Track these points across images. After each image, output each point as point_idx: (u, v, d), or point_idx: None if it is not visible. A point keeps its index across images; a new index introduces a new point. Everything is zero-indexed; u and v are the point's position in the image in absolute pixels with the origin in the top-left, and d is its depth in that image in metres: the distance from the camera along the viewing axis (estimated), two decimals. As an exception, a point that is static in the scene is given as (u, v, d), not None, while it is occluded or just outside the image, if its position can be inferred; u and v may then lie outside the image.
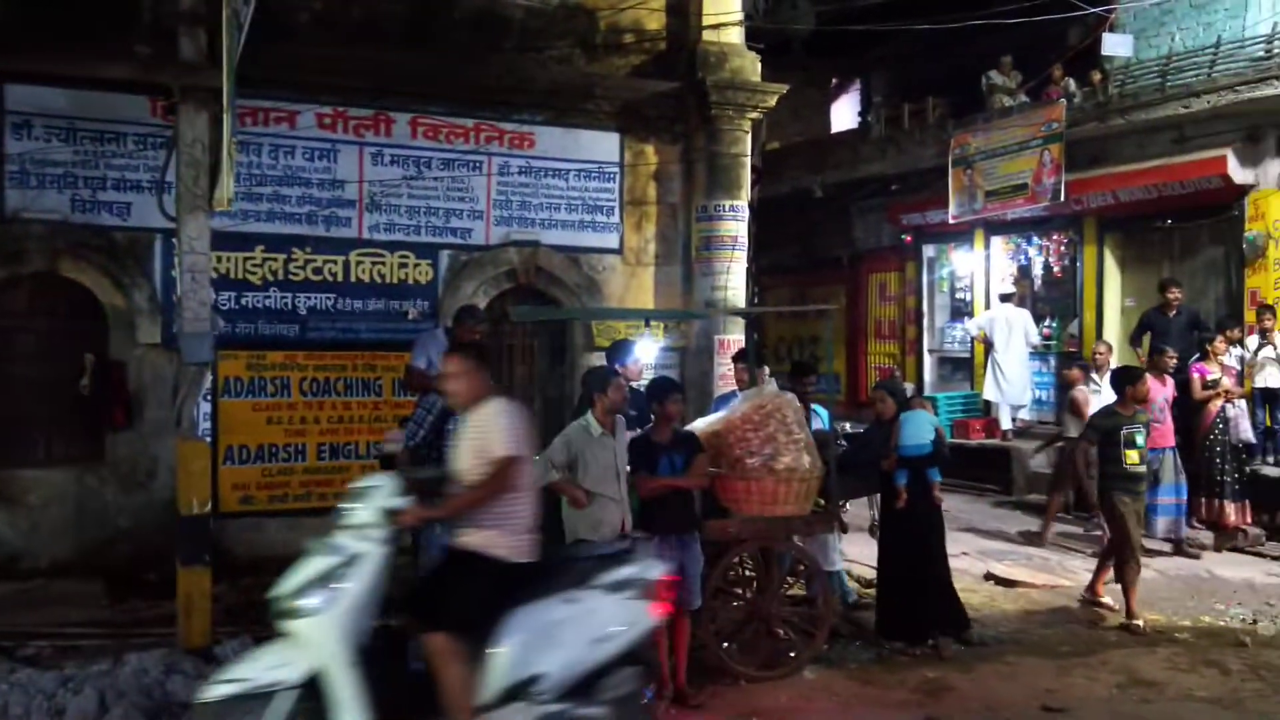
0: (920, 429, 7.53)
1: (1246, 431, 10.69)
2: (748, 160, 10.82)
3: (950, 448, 8.31)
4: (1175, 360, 10.40)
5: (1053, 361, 14.41)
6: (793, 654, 7.01)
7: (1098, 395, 11.28)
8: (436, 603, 4.91)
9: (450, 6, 9.95)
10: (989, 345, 14.12)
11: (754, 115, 10.77)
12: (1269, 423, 11.24)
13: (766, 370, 10.35)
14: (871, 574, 8.42)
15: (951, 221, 14.53)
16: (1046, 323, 14.74)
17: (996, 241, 15.34)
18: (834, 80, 21.27)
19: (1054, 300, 14.88)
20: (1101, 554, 8.76)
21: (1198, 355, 10.82)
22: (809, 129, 19.97)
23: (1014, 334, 13.85)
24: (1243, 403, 10.79)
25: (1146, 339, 11.61)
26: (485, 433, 4.99)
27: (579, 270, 10.43)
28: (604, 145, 10.56)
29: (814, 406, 8.07)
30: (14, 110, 8.59)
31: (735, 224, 10.57)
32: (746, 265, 10.86)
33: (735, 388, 8.76)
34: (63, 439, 9.04)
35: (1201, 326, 11.48)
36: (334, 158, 9.58)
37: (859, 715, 6.37)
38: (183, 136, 7.49)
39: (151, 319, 8.96)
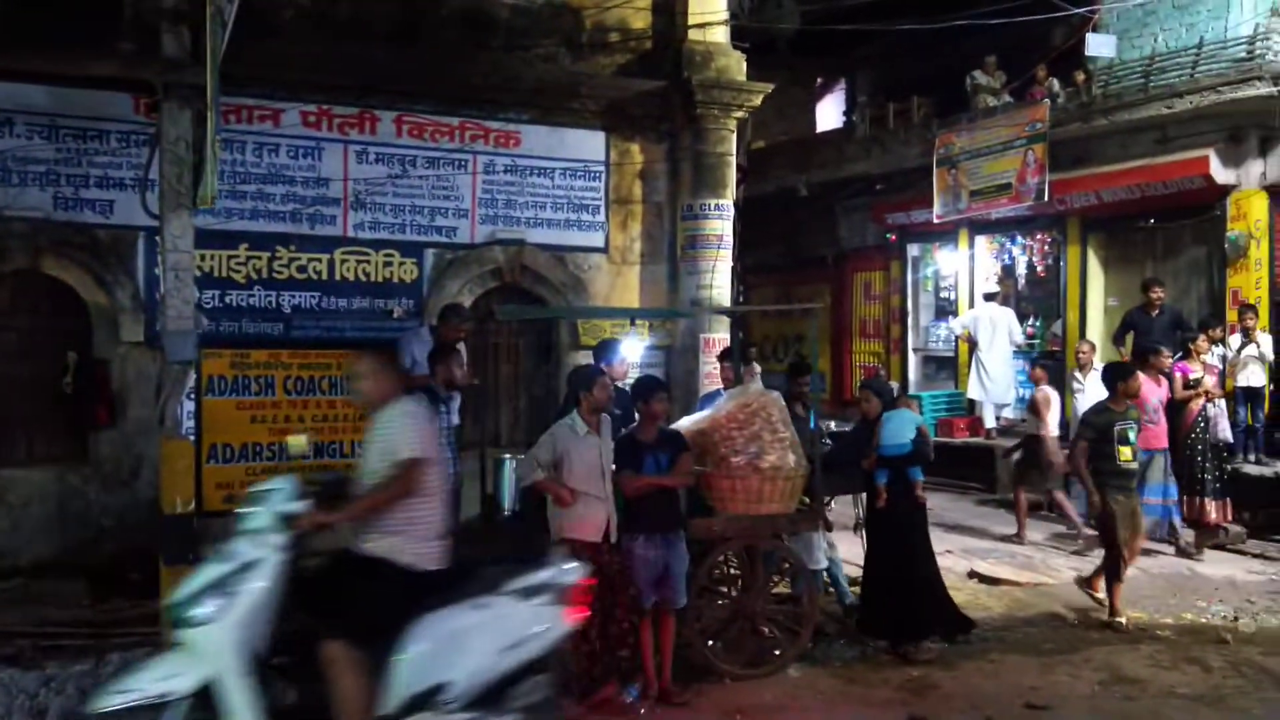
0: (901, 428, 7.53)
1: (1225, 431, 10.76)
2: (733, 159, 10.83)
3: (934, 446, 8.30)
4: (1170, 360, 10.44)
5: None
6: (777, 652, 7.03)
7: (1081, 394, 11.39)
8: (335, 610, 4.78)
9: (436, 5, 9.93)
10: (973, 344, 14.19)
11: (739, 114, 10.78)
12: (1250, 421, 11.31)
13: (757, 368, 10.39)
14: (860, 573, 8.44)
15: (936, 221, 14.58)
16: (1030, 322, 14.82)
17: (981, 241, 15.40)
18: (819, 80, 21.31)
19: (1038, 299, 14.96)
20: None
21: (1180, 354, 10.88)
22: (794, 128, 20.01)
23: (998, 333, 13.92)
24: (1222, 402, 10.85)
25: (1129, 338, 11.68)
26: (391, 434, 4.89)
27: (564, 269, 10.43)
28: (590, 144, 10.55)
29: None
30: (-4, 107, 8.54)
31: (721, 223, 10.58)
32: (732, 264, 10.87)
33: (720, 386, 8.78)
34: (45, 438, 9.00)
35: (1184, 326, 11.54)
36: (319, 156, 9.55)
37: (843, 713, 6.38)
38: (166, 134, 7.48)
39: (135, 317, 8.92)
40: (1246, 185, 11.97)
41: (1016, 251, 15.18)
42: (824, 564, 8.01)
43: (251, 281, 9.36)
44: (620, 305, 10.48)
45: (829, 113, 21.40)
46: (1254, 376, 11.18)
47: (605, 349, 8.16)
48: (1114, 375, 8.48)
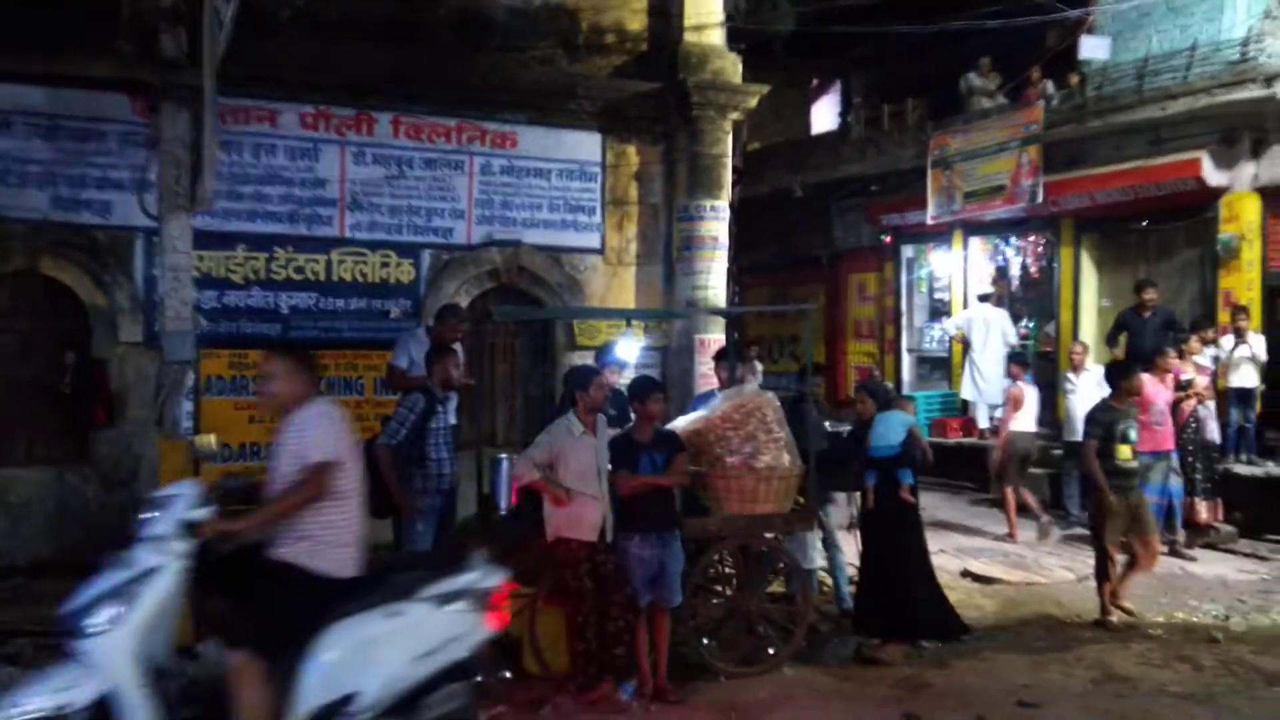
0: (890, 430, 7.56)
1: (1214, 432, 10.83)
2: (729, 160, 10.87)
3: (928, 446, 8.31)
4: (1177, 360, 10.48)
5: (1029, 361, 14.50)
6: (772, 651, 7.07)
7: (1073, 394, 11.47)
8: (239, 618, 4.61)
9: (433, 6, 9.97)
10: (967, 345, 14.23)
11: (735, 116, 10.83)
12: (1242, 422, 11.37)
13: (759, 367, 10.43)
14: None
15: (930, 222, 14.63)
16: (1024, 323, 14.86)
17: (975, 242, 15.45)
18: (814, 81, 21.34)
19: (1031, 300, 15.00)
20: (1133, 564, 8.33)
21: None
22: (789, 129, 20.04)
23: (991, 334, 13.95)
24: (1211, 403, 10.91)
25: (1122, 339, 11.74)
26: (302, 437, 4.67)
27: (561, 270, 10.47)
28: (586, 145, 10.60)
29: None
30: (-7, 108, 8.57)
31: (716, 224, 10.63)
32: (727, 265, 10.91)
33: (715, 386, 8.82)
34: (44, 438, 9.03)
35: (1176, 327, 11.59)
36: (316, 157, 9.59)
37: (837, 711, 6.41)
38: (164, 135, 7.54)
39: (133, 318, 8.95)
40: (1239, 187, 12.02)
41: (1010, 253, 15.22)
42: (819, 563, 8.05)
43: (249, 282, 9.40)
44: (616, 306, 10.52)
45: (824, 114, 21.43)
46: (1246, 377, 11.23)
47: (604, 352, 8.23)
48: (1116, 374, 8.50)
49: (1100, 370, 11.47)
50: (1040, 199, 12.98)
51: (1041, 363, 14.29)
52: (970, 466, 13.65)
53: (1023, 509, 11.19)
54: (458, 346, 7.83)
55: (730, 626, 7.15)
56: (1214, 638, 7.76)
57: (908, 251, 16.59)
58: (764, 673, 6.88)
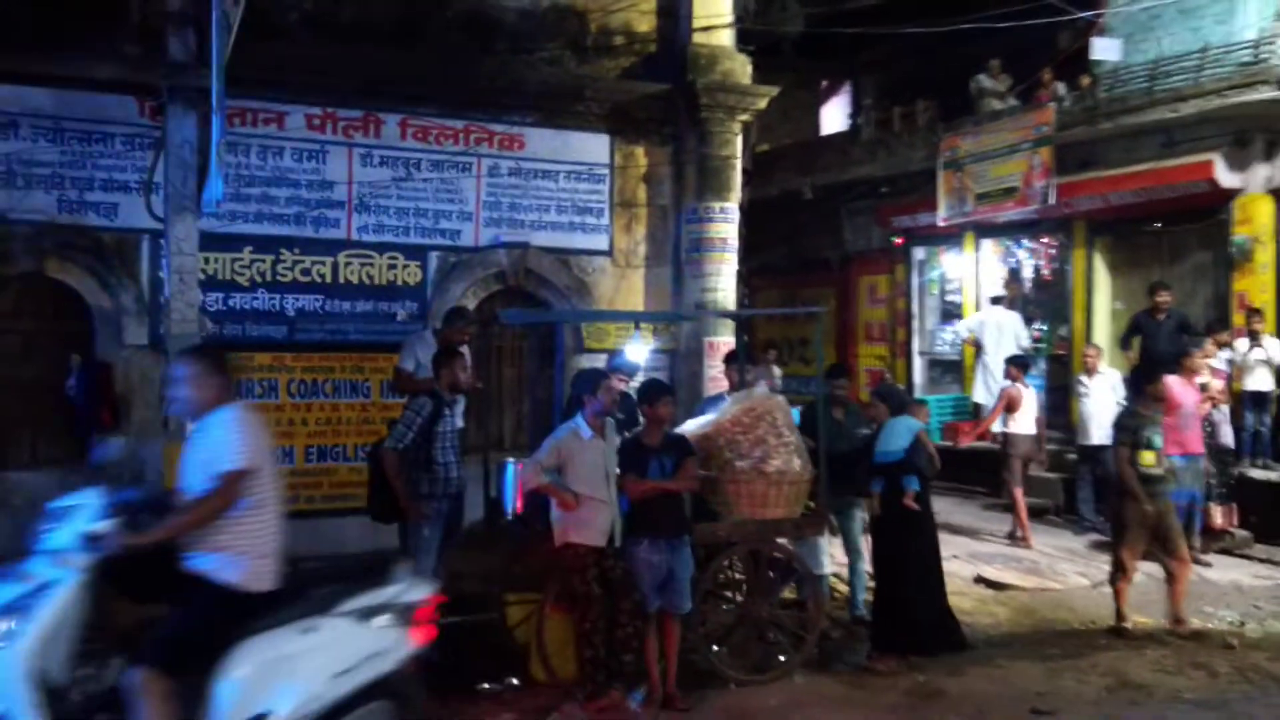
0: (895, 436, 7.48)
1: (1228, 436, 10.73)
2: (738, 162, 10.82)
3: (939, 451, 8.20)
4: (1206, 359, 10.37)
5: (1042, 364, 14.43)
6: (783, 658, 7.00)
7: (1086, 397, 11.39)
8: (145, 632, 4.38)
9: (441, 8, 9.93)
10: (979, 348, 14.14)
11: (744, 117, 10.78)
12: (1257, 425, 11.27)
13: (777, 371, 10.36)
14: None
15: (941, 224, 14.55)
16: (1036, 326, 14.76)
17: (986, 244, 15.37)
18: (824, 82, 21.30)
19: (1044, 303, 14.91)
20: (1171, 579, 8.16)
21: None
22: (799, 131, 19.98)
23: (1004, 337, 13.86)
24: (1225, 407, 10.82)
25: (1136, 342, 11.65)
26: (213, 444, 4.47)
27: (569, 272, 10.42)
28: (594, 147, 10.55)
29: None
30: (0, 110, 8.52)
31: (725, 226, 10.57)
32: (736, 267, 10.86)
33: (724, 390, 8.76)
34: (49, 440, 8.99)
35: (1190, 330, 11.51)
36: (323, 159, 9.55)
37: (849, 719, 6.36)
38: (171, 137, 7.50)
39: (139, 320, 8.92)
40: (1252, 189, 11.93)
41: (1022, 255, 15.15)
42: (829, 569, 7.99)
43: (255, 284, 9.36)
44: (624, 308, 10.48)
45: (834, 116, 21.38)
46: (1261, 381, 11.14)
47: (614, 357, 8.21)
48: (1141, 379, 8.39)
49: (1115, 374, 11.47)
50: (1052, 201, 12.90)
51: (1055, 366, 14.22)
52: (983, 471, 13.56)
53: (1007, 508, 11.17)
54: (465, 349, 7.79)
55: (740, 633, 7.09)
56: (1229, 644, 7.68)
57: (919, 254, 16.52)
58: (775, 680, 6.83)
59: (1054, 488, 12.61)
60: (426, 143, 9.90)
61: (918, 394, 15.36)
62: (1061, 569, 9.93)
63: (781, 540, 7.18)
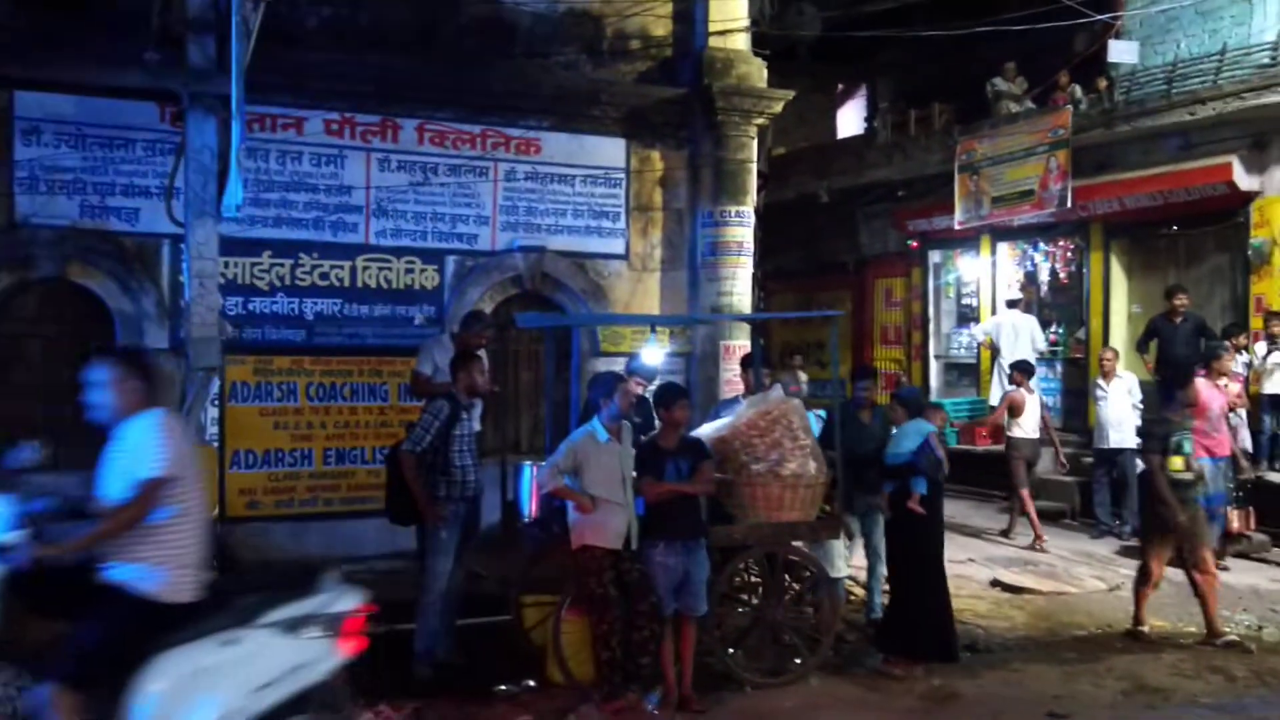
0: (904, 440, 7.47)
1: (1246, 440, 10.69)
2: (754, 166, 10.85)
3: (955, 454, 8.17)
4: (1233, 362, 10.33)
5: (1059, 367, 14.41)
6: (798, 660, 7.01)
7: (1104, 401, 11.37)
8: (56, 645, 4.20)
9: (457, 13, 9.99)
10: (995, 351, 14.12)
11: (760, 121, 10.80)
12: (1275, 429, 11.22)
13: (803, 376, 10.35)
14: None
15: (958, 227, 14.54)
16: (1053, 329, 14.74)
17: (1003, 247, 15.35)
18: (840, 86, 21.29)
19: (1060, 306, 14.88)
20: (1199, 593, 8.00)
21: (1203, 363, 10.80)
22: (815, 134, 19.99)
23: (1020, 340, 13.83)
24: (1243, 411, 10.78)
25: (1153, 345, 11.62)
26: (132, 451, 4.30)
27: (585, 276, 10.46)
28: (610, 151, 10.58)
29: (819, 412, 8.10)
30: (23, 117, 8.63)
31: (741, 229, 10.59)
32: (752, 271, 10.88)
33: (740, 393, 8.78)
34: (69, 443, 9.05)
35: (1208, 333, 11.48)
36: (341, 164, 9.61)
37: (864, 721, 6.38)
38: (191, 142, 7.54)
39: (159, 324, 9.00)
40: (1270, 192, 11.88)
41: (1039, 258, 15.11)
42: (845, 572, 7.99)
43: (274, 289, 9.43)
44: (640, 312, 10.51)
45: (850, 119, 21.37)
46: (1279, 384, 11.09)
47: (631, 360, 8.25)
48: (1173, 384, 8.32)
49: (1132, 378, 11.46)
50: (1069, 204, 12.87)
51: (1071, 369, 14.19)
52: (999, 474, 13.53)
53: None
54: (482, 353, 7.83)
55: (756, 636, 7.10)
56: (1247, 648, 7.65)
57: (935, 257, 16.50)
58: (790, 683, 6.83)
59: (1070, 491, 12.58)
60: (443, 147, 9.96)
61: (934, 397, 15.34)
62: (1078, 573, 9.91)
63: (797, 543, 7.20)
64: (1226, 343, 11.00)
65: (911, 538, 7.40)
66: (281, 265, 9.44)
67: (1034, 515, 11.11)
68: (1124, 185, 13.01)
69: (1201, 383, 9.08)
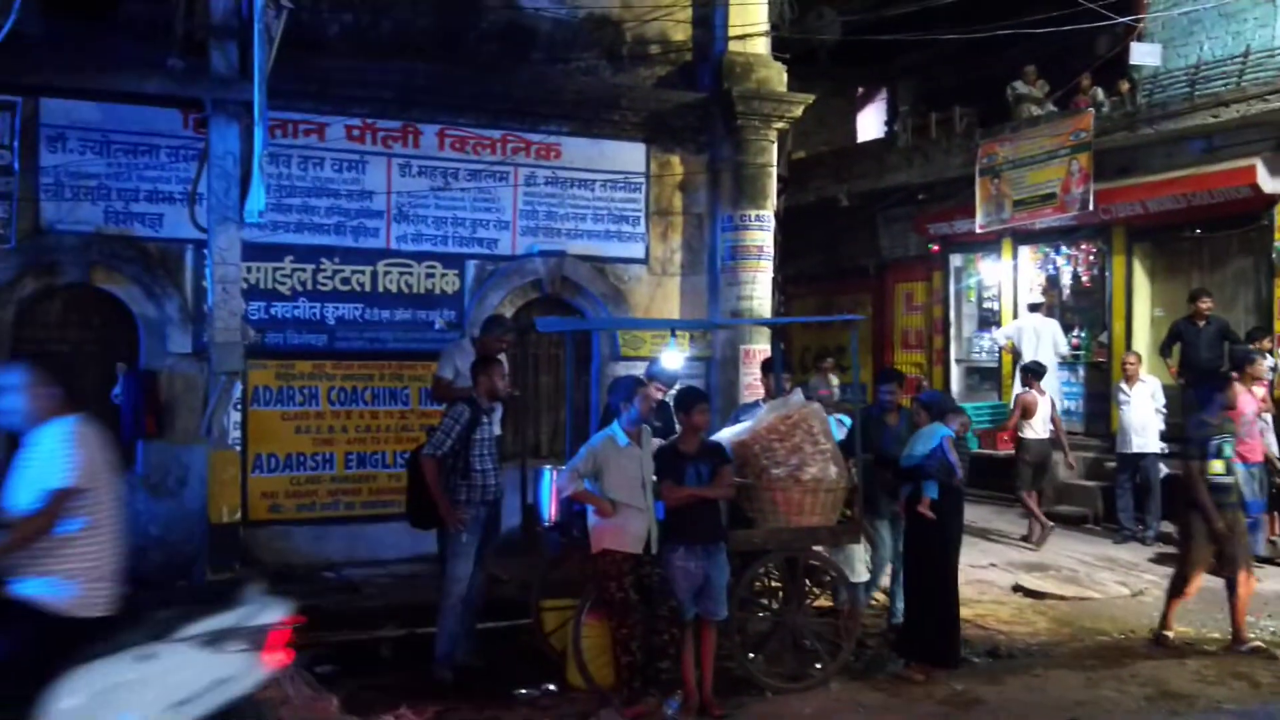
0: (919, 443, 7.42)
1: (1273, 445, 10.59)
2: (774, 170, 10.83)
3: (976, 458, 8.09)
4: (1268, 367, 10.26)
5: (1081, 372, 14.32)
6: (819, 665, 7.00)
7: (1126, 405, 11.31)
8: None
9: (478, 19, 10.03)
10: (1017, 355, 14.05)
11: (780, 125, 10.80)
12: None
13: (834, 379, 10.38)
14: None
15: (979, 231, 14.47)
16: (1075, 333, 14.64)
17: (1024, 251, 15.26)
18: (860, 89, 21.23)
19: (1083, 310, 14.78)
20: (1230, 595, 7.89)
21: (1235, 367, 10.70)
22: (835, 138, 19.93)
23: (1042, 344, 13.75)
24: (1268, 415, 10.68)
25: (1176, 349, 11.54)
26: (43, 460, 4.20)
27: (605, 280, 10.47)
28: (630, 156, 10.60)
29: (840, 416, 8.08)
30: (49, 124, 8.71)
31: (761, 233, 10.59)
32: (772, 275, 10.87)
33: (760, 398, 8.77)
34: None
35: (1231, 337, 11.39)
36: (362, 169, 9.66)
37: (885, 727, 6.36)
38: (214, 149, 7.62)
39: (183, 329, 9.06)
40: (1294, 194, 11.78)
41: (1061, 262, 15.02)
42: (865, 576, 7.97)
43: (296, 293, 9.48)
44: (660, 316, 10.51)
45: (870, 122, 21.31)
46: (1305, 388, 11.01)
47: (651, 365, 8.26)
48: (1213, 389, 8.20)
49: (1155, 382, 11.39)
50: (1091, 207, 12.79)
51: (1094, 373, 14.09)
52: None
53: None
54: (502, 357, 7.86)
55: (776, 641, 7.09)
56: (1271, 654, 7.59)
57: (956, 260, 16.42)
58: (810, 688, 6.82)
59: (1093, 496, 12.51)
60: (464, 152, 10.00)
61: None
62: (1100, 578, 9.85)
63: (818, 548, 7.19)
64: (1251, 347, 10.91)
65: (923, 542, 7.36)
66: (303, 270, 9.49)
67: (1037, 512, 11.28)
68: (1146, 188, 12.92)
69: (1236, 387, 9.00)
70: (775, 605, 7.45)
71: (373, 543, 9.38)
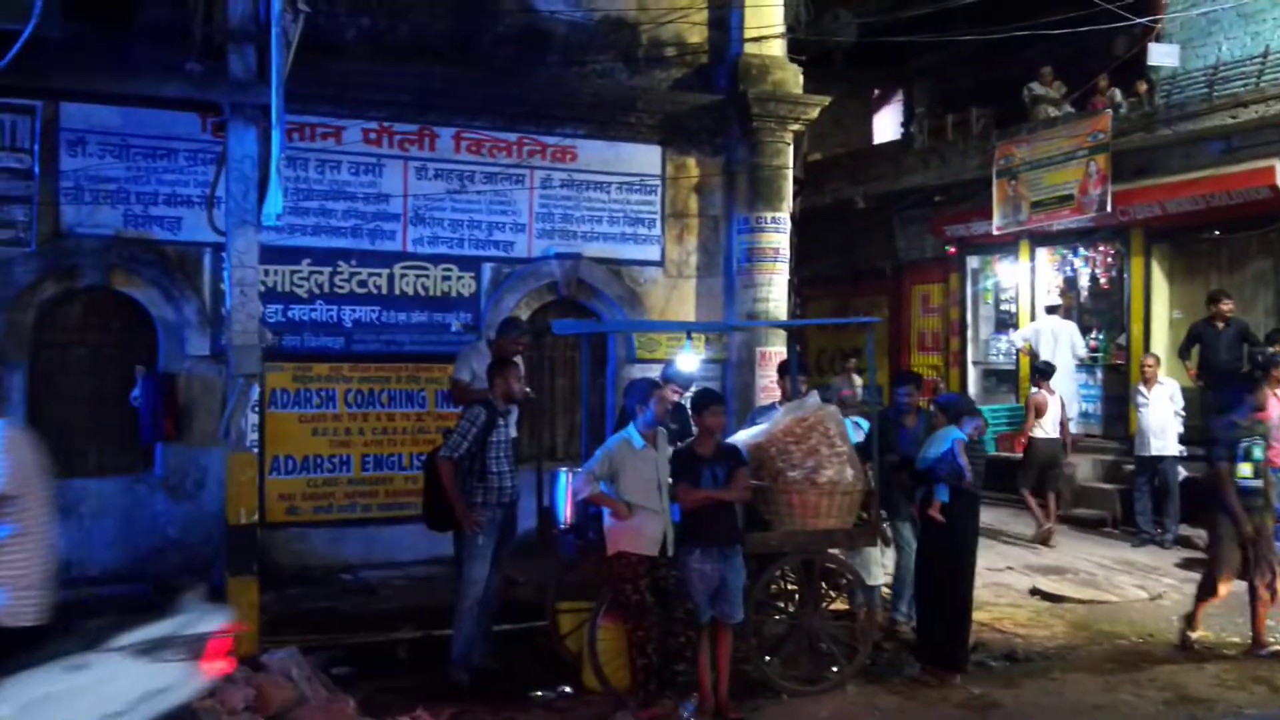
0: (931, 445, 7.40)
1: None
2: (790, 172, 10.82)
3: (993, 461, 8.05)
4: None
5: (1099, 374, 14.26)
6: (835, 668, 6.98)
7: (1145, 408, 11.25)
8: None
9: (494, 23, 10.05)
10: (1034, 357, 13.99)
11: (796, 127, 10.79)
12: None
13: (858, 380, 10.37)
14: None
15: (996, 233, 14.43)
16: (1093, 335, 14.58)
17: (1042, 253, 15.20)
18: (876, 91, 21.20)
19: (1101, 312, 14.72)
20: (1251, 599, 7.85)
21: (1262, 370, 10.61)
22: (851, 140, 19.91)
23: (1060, 346, 13.69)
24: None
25: (1195, 352, 11.48)
26: None
27: (620, 282, 10.48)
28: (646, 158, 10.61)
29: (857, 419, 8.06)
30: (68, 128, 8.77)
31: (777, 235, 10.58)
32: (788, 277, 10.85)
33: (776, 400, 8.76)
34: (113, 450, 9.20)
35: (1251, 339, 11.32)
36: (379, 172, 9.70)
37: (901, 730, 6.34)
38: (232, 152, 7.63)
39: (201, 331, 9.11)
40: (1314, 195, 11.71)
41: (1078, 263, 14.95)
42: (881, 580, 7.95)
43: (314, 296, 9.52)
44: (676, 319, 10.51)
45: (886, 124, 21.27)
46: (1326, 390, 10.90)
47: (667, 367, 8.26)
48: (1243, 390, 8.13)
49: (1174, 384, 11.34)
50: (1109, 209, 12.74)
51: (1112, 376, 14.03)
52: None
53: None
54: (519, 360, 7.87)
55: (793, 643, 7.08)
56: (1293, 659, 7.54)
57: (973, 262, 16.36)
58: (827, 691, 6.81)
59: (1111, 499, 12.45)
60: (480, 155, 10.02)
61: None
62: (1118, 581, 9.81)
63: (834, 550, 7.18)
64: (1271, 349, 10.83)
65: (935, 545, 7.34)
66: (320, 273, 9.53)
67: (1037, 511, 11.45)
68: (1165, 189, 12.85)
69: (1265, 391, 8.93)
70: (791, 608, 7.43)
71: (389, 545, 9.41)
